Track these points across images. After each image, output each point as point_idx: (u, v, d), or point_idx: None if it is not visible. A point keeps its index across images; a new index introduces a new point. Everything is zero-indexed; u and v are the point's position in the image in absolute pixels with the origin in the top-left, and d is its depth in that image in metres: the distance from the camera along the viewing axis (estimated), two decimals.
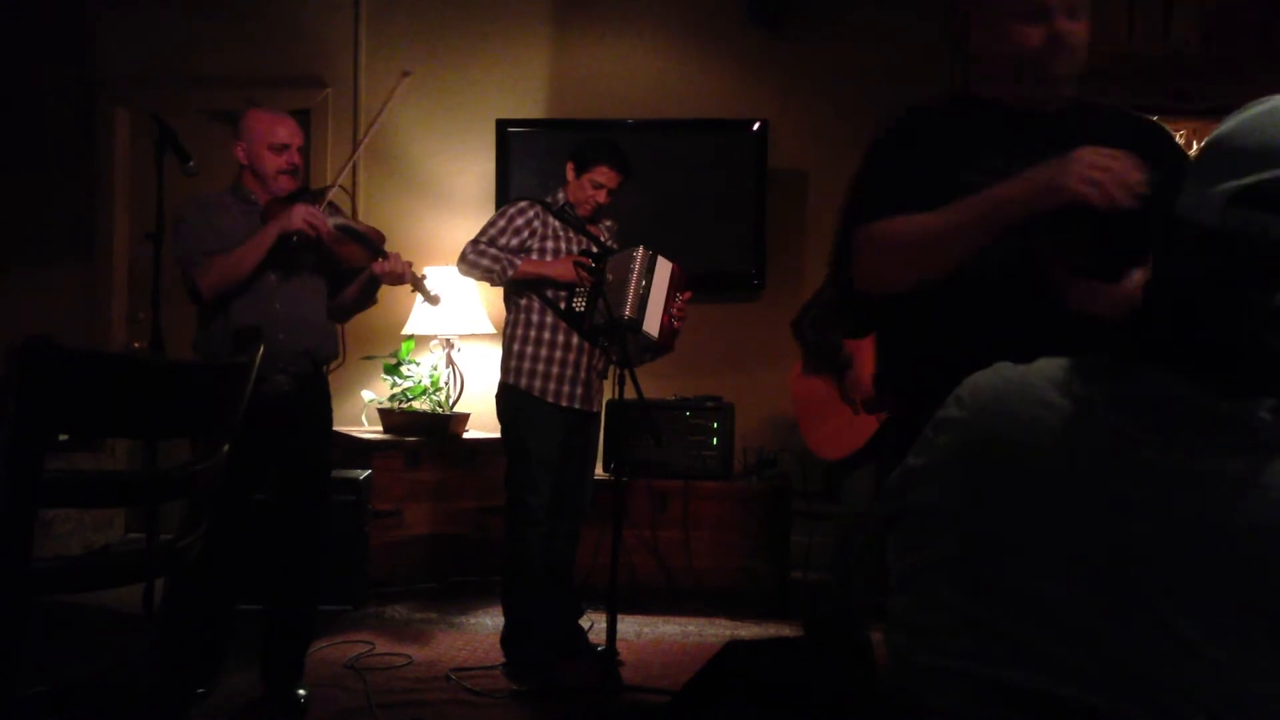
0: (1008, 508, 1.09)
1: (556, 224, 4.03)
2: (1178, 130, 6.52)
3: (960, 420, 1.19)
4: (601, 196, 4.03)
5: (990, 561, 1.09)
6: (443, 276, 5.33)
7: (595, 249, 3.99)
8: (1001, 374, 1.20)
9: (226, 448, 1.41)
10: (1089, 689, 1.01)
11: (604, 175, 4.01)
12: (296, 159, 3.53)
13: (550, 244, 4.00)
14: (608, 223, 4.19)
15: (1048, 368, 1.16)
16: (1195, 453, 1.01)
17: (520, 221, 4.00)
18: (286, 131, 3.51)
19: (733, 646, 3.48)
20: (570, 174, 4.07)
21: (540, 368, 3.97)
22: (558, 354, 3.97)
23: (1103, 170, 1.70)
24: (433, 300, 3.82)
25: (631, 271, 3.87)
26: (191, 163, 3.32)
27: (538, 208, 4.03)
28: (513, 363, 4.01)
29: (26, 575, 1.20)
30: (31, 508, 1.19)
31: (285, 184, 3.50)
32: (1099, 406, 1.07)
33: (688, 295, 4.06)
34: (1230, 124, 1.06)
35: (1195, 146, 6.54)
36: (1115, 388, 1.07)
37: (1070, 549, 1.05)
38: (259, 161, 3.48)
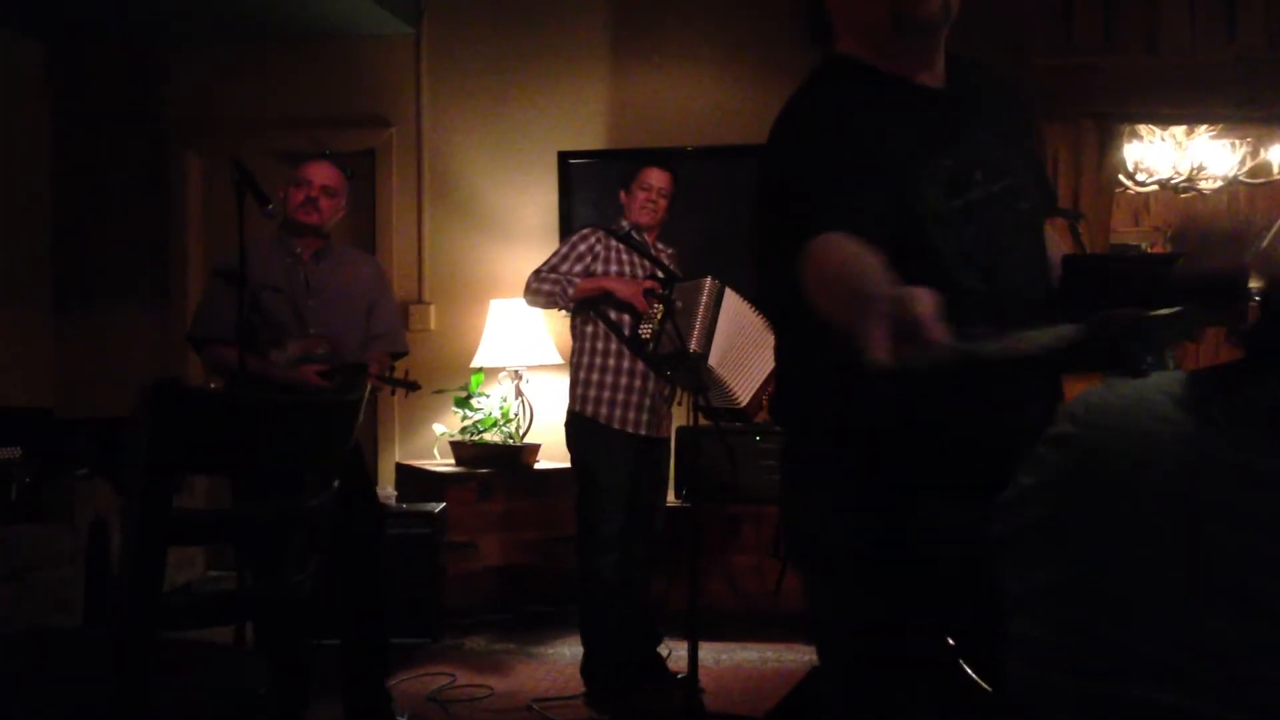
0: (1131, 525, 1.08)
1: (619, 247, 4.06)
2: (1243, 138, 6.44)
3: (1075, 437, 1.18)
4: (655, 196, 4.06)
5: (1115, 579, 1.08)
6: (509, 309, 5.38)
7: (660, 274, 4.01)
8: (1115, 390, 1.19)
9: (337, 483, 1.44)
10: (1222, 707, 1.00)
11: (651, 176, 4.07)
12: (316, 194, 3.64)
13: (614, 268, 4.03)
14: (669, 250, 4.22)
15: (1163, 381, 1.15)
16: None
17: (583, 247, 4.05)
18: (314, 171, 3.67)
19: (817, 672, 3.43)
20: (623, 198, 4.13)
21: (607, 394, 3.98)
22: (624, 380, 3.99)
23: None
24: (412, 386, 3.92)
25: (699, 304, 3.88)
26: (271, 205, 3.40)
27: (599, 233, 4.08)
28: (579, 390, 4.03)
29: (157, 611, 1.23)
30: (162, 544, 1.22)
31: (300, 216, 3.63)
32: (1220, 420, 1.06)
33: None
34: None
35: (1263, 153, 6.45)
36: (1236, 400, 1.06)
37: (1198, 565, 1.03)
38: (287, 198, 3.65)
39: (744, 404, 3.90)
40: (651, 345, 3.88)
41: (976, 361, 1.18)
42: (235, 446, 1.28)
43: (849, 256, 1.46)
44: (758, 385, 3.91)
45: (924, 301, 1.20)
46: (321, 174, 3.66)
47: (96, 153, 6.05)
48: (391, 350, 3.84)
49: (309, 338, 3.53)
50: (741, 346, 3.90)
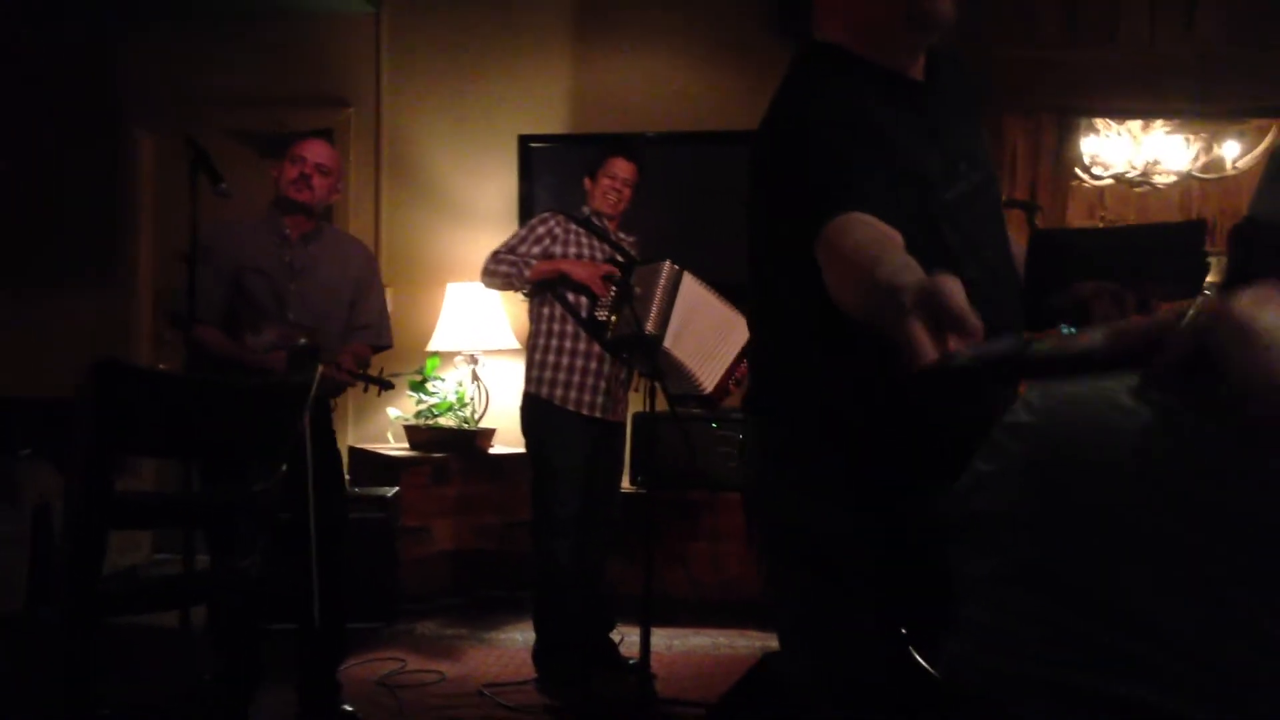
0: (1090, 513, 1.08)
1: (579, 230, 4.04)
2: (1198, 133, 6.51)
3: (1031, 425, 1.18)
4: (619, 185, 4.04)
5: (1074, 567, 1.08)
6: (466, 292, 5.35)
7: (620, 257, 4.00)
8: None
9: (285, 467, 1.41)
10: (1184, 698, 1.00)
11: (617, 166, 4.05)
12: (310, 172, 3.58)
13: (573, 250, 4.01)
14: (630, 238, 4.20)
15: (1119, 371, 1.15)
16: None
17: (542, 230, 4.03)
18: (307, 148, 3.61)
19: (769, 659, 3.45)
20: (588, 184, 4.10)
21: (562, 376, 3.96)
22: (579, 362, 3.97)
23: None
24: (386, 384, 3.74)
25: (656, 287, 3.87)
26: (224, 184, 3.33)
27: (559, 216, 4.07)
28: (535, 372, 4.01)
29: (99, 595, 1.20)
30: (104, 527, 1.19)
31: (293, 193, 3.57)
32: (1179, 410, 1.06)
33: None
34: None
35: (1216, 149, 6.52)
36: (1195, 392, 1.06)
37: (1157, 555, 1.04)
38: (280, 174, 3.59)
39: (709, 390, 3.88)
40: (608, 327, 3.87)
41: (1026, 361, 1.03)
42: (178, 428, 1.25)
43: (869, 237, 1.42)
44: (723, 370, 3.90)
45: (956, 290, 1.10)
46: (316, 152, 3.60)
47: (46, 129, 5.93)
48: (375, 344, 3.75)
49: (288, 325, 3.46)
50: (702, 330, 3.88)
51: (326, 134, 5.74)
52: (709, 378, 3.87)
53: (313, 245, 3.62)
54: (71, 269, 5.90)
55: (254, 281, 3.48)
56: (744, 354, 3.92)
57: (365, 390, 3.63)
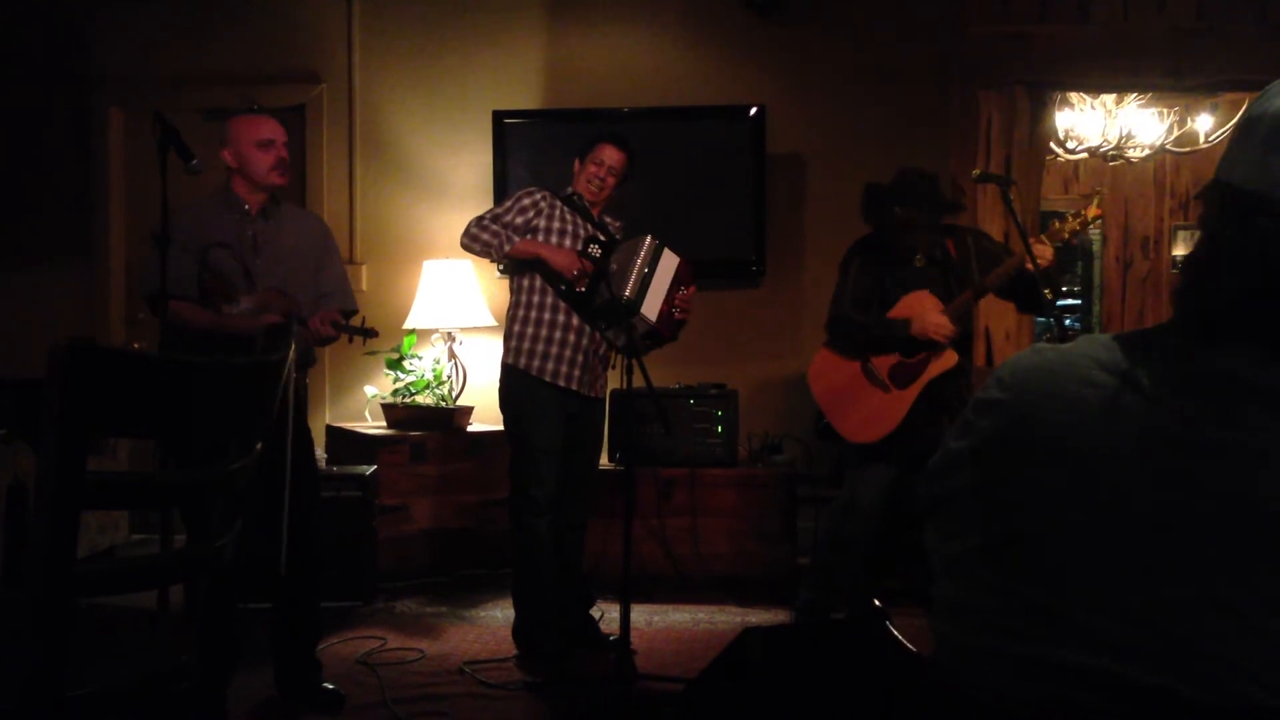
0: (1055, 488, 1.09)
1: (564, 209, 4.04)
2: (1171, 107, 6.54)
3: (1002, 402, 1.18)
4: (604, 173, 4.02)
5: (1038, 542, 1.09)
6: (442, 270, 5.33)
7: (603, 236, 3.99)
8: (1042, 355, 1.19)
9: (260, 446, 1.41)
10: (1141, 665, 1.01)
11: (605, 153, 4.03)
12: (284, 153, 3.56)
13: (556, 225, 4.00)
14: (617, 223, 4.19)
15: (1089, 346, 1.16)
16: (1256, 429, 1.01)
17: (527, 202, 4.02)
18: (270, 128, 3.55)
19: (749, 633, 3.47)
20: (576, 167, 4.09)
21: (540, 347, 3.96)
22: (558, 334, 3.97)
23: None
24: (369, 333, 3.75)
25: (636, 257, 3.88)
26: (195, 161, 3.31)
27: (546, 192, 4.06)
28: (513, 343, 4.01)
29: (72, 576, 1.20)
30: (76, 508, 1.18)
31: (275, 179, 3.54)
32: (1149, 384, 1.07)
33: (691, 290, 4.05)
34: None
35: (1190, 122, 6.56)
36: (1166, 365, 1.07)
37: (1122, 527, 1.04)
38: (248, 163, 3.52)
39: (654, 320, 3.90)
40: (588, 302, 3.88)
41: None
42: (152, 409, 1.24)
43: None
44: (661, 300, 3.92)
45: None
46: (279, 131, 3.58)
47: (16, 106, 5.86)
48: (342, 308, 3.77)
49: (263, 292, 3.46)
50: (660, 287, 3.92)
51: (299, 110, 5.71)
52: (651, 311, 3.89)
53: (272, 219, 3.62)
54: (43, 247, 5.84)
55: (220, 257, 3.47)
56: (677, 281, 3.96)
57: (350, 341, 3.65)
